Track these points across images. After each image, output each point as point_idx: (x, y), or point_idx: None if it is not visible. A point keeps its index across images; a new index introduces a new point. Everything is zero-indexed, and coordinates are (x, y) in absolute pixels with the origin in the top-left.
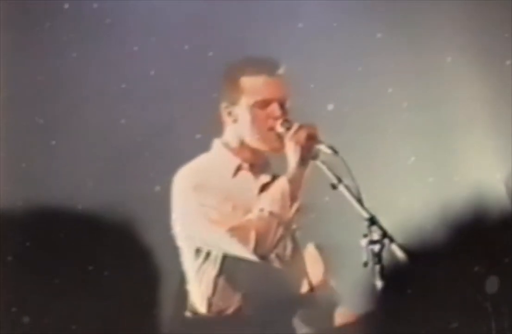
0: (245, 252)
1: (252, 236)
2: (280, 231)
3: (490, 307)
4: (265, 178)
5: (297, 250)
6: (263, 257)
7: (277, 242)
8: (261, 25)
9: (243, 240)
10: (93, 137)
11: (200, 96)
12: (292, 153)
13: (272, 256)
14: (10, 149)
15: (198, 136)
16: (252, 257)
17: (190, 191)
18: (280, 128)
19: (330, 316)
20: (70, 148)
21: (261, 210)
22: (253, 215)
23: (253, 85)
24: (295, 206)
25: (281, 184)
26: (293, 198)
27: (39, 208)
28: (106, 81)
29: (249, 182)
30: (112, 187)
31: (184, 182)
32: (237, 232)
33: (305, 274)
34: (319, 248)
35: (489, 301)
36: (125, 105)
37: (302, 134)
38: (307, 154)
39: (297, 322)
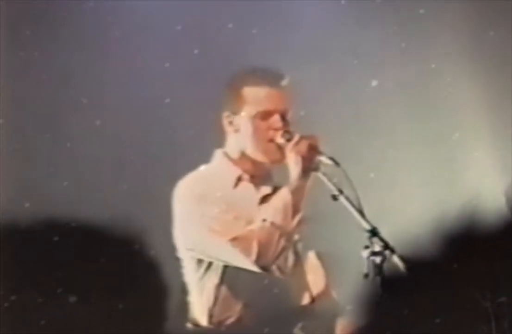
0: (247, 263)
1: (254, 246)
2: (282, 242)
3: (490, 307)
4: (266, 189)
5: (298, 261)
6: (265, 268)
7: (279, 253)
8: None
9: (245, 251)
10: (98, 148)
11: (204, 105)
12: (293, 165)
13: (274, 267)
14: (11, 156)
15: (201, 146)
16: (254, 268)
17: (191, 201)
18: (280, 140)
19: (331, 327)
20: (75, 159)
21: (263, 220)
22: (255, 226)
23: (255, 96)
24: (298, 217)
25: (283, 195)
26: (295, 209)
27: (46, 220)
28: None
29: (250, 193)
30: (117, 198)
31: (185, 193)
32: (239, 242)
33: (306, 285)
34: (320, 258)
35: (489, 301)
36: (128, 112)
37: (303, 146)
38: (309, 165)
39: (298, 333)
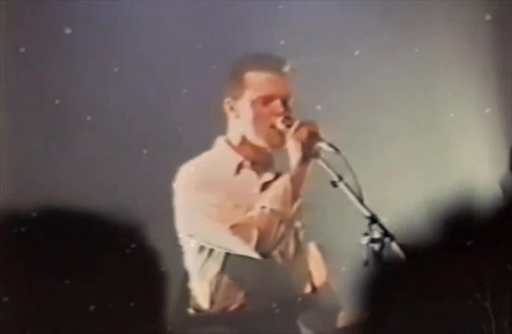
0: (247, 250)
1: (254, 233)
2: (282, 228)
3: (490, 307)
4: (267, 176)
5: (299, 249)
6: (265, 255)
7: (279, 240)
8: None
9: (245, 238)
10: (98, 138)
11: (207, 92)
12: (293, 151)
13: (275, 253)
14: (15, 150)
15: (203, 134)
16: (254, 255)
17: (192, 189)
18: (280, 125)
19: (332, 319)
20: (76, 149)
21: (263, 207)
22: (255, 213)
23: (257, 80)
24: (297, 203)
25: (283, 181)
26: (294, 195)
27: (48, 209)
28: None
29: (251, 179)
30: (119, 187)
31: (186, 180)
32: (239, 229)
33: (308, 274)
34: (321, 248)
35: (489, 301)
36: (128, 102)
37: (303, 132)
38: (308, 151)
39: (299, 324)
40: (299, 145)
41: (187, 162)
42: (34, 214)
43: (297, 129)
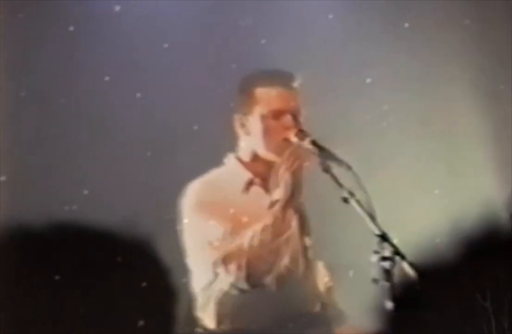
0: (237, 280)
1: (243, 265)
2: (272, 258)
3: (490, 307)
4: (277, 194)
5: (309, 267)
6: (255, 285)
7: (269, 270)
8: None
9: (235, 269)
10: (106, 151)
11: (217, 108)
12: (283, 185)
13: (270, 280)
14: (13, 158)
15: (213, 150)
16: (244, 286)
17: (195, 207)
18: (294, 138)
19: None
20: (84, 161)
21: (252, 237)
22: (245, 242)
23: (267, 96)
24: (286, 234)
25: (274, 212)
26: (283, 228)
27: (53, 223)
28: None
29: (261, 197)
30: (128, 202)
31: (190, 198)
32: (229, 260)
33: (317, 292)
34: (329, 267)
35: (489, 301)
36: (136, 114)
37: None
38: (298, 180)
39: None
40: (288, 179)
41: (195, 179)
42: (39, 228)
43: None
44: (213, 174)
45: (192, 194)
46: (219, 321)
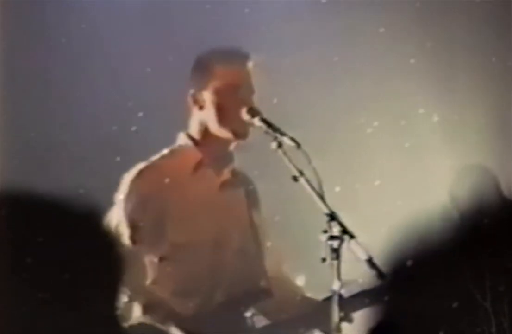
0: None
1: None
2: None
3: (490, 307)
4: (225, 175)
5: (259, 249)
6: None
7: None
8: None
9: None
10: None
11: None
12: None
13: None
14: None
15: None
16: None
17: (128, 196)
18: (245, 116)
19: (289, 307)
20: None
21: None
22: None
23: (223, 71)
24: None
25: None
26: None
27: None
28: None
29: (210, 179)
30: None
31: (126, 186)
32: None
33: (263, 268)
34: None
35: (489, 301)
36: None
37: None
38: None
39: (256, 315)
40: None
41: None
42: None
43: None
44: (161, 159)
45: (129, 182)
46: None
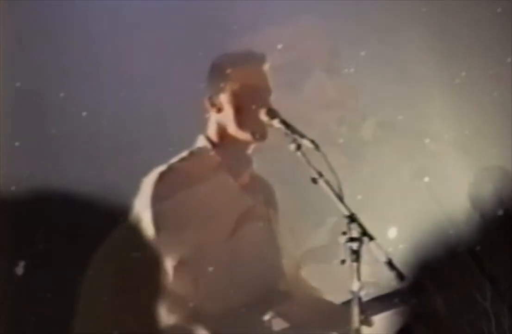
0: None
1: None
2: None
3: (490, 307)
4: (244, 179)
5: (278, 251)
6: None
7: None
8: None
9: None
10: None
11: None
12: None
13: None
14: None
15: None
16: None
17: (150, 201)
18: (264, 117)
19: (308, 310)
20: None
21: None
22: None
23: (239, 72)
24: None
25: None
26: None
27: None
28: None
29: (229, 183)
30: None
31: (147, 190)
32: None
33: (282, 271)
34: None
35: (489, 301)
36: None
37: None
38: None
39: (274, 318)
40: None
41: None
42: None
43: None
44: (180, 162)
45: (149, 185)
46: None
